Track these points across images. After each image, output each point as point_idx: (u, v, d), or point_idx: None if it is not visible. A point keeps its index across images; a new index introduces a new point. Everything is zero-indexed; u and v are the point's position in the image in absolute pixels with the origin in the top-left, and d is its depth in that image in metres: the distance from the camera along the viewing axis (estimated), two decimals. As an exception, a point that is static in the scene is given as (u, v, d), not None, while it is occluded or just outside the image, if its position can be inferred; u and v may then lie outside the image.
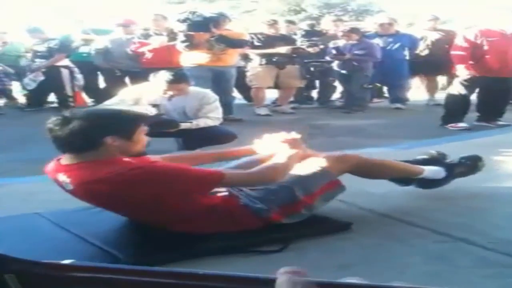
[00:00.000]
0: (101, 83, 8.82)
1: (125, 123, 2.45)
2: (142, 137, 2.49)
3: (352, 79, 7.82)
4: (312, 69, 8.30)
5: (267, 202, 2.56)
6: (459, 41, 6.33)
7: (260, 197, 2.58)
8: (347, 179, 2.83)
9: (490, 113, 6.37)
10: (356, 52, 7.70)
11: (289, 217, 2.59)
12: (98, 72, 8.64)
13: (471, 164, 3.22)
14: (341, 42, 7.92)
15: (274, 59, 7.52)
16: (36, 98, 8.44)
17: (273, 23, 7.83)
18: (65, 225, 2.63)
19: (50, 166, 2.51)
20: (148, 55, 7.38)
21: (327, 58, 8.03)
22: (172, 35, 7.05)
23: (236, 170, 2.62)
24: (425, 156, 3.27)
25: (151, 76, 4.70)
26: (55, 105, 8.50)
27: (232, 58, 6.88)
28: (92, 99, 8.59)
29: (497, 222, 2.76)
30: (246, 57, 7.96)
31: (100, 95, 7.53)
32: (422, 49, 8.22)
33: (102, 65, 8.22)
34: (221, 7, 13.25)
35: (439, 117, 6.45)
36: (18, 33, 9.02)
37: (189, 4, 14.37)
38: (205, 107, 4.69)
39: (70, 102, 8.27)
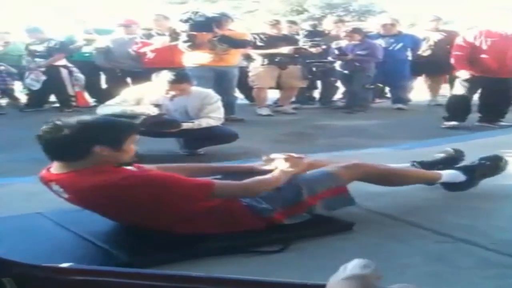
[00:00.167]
0: (104, 83, 8.84)
1: (114, 133, 2.43)
2: (131, 147, 2.47)
3: (354, 80, 7.82)
4: (314, 69, 8.30)
5: (272, 201, 2.56)
6: (458, 41, 6.35)
7: (266, 196, 2.57)
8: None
9: (492, 113, 6.37)
10: (358, 52, 7.70)
11: (291, 218, 2.58)
12: (101, 72, 8.66)
13: (492, 165, 3.20)
14: (343, 43, 7.92)
15: (276, 59, 7.52)
16: (37, 98, 8.46)
17: (276, 23, 7.84)
18: (66, 224, 2.63)
19: (42, 175, 2.51)
20: (150, 55, 7.39)
21: (330, 58, 8.03)
22: (174, 35, 7.06)
23: (227, 182, 2.59)
24: (442, 155, 3.27)
25: (153, 76, 4.70)
26: (57, 105, 8.53)
27: (234, 58, 6.88)
28: (95, 99, 8.60)
29: (498, 222, 2.76)
30: (248, 57, 7.96)
31: (102, 95, 7.54)
32: (424, 50, 8.22)
33: (103, 65, 8.24)
34: (223, 7, 13.26)
35: (441, 118, 6.45)
36: (20, 33, 9.03)
37: (191, 4, 14.37)
38: (207, 107, 4.69)
39: (72, 102, 8.30)
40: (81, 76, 8.48)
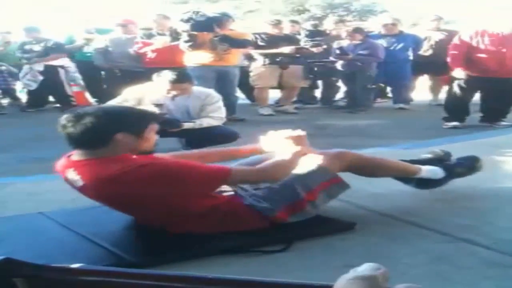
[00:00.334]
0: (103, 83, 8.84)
1: (136, 120, 2.46)
2: (152, 135, 2.50)
3: (356, 79, 7.82)
4: (315, 69, 8.30)
5: (271, 201, 2.56)
6: (454, 41, 6.36)
7: (265, 196, 2.58)
8: (350, 179, 2.83)
9: (493, 113, 6.36)
10: (359, 52, 7.70)
11: (294, 216, 2.59)
12: (102, 72, 8.66)
13: (469, 165, 3.20)
14: (344, 42, 7.92)
15: (277, 59, 7.52)
16: (36, 98, 8.47)
17: (277, 23, 7.83)
18: (69, 225, 2.63)
19: (60, 162, 2.51)
20: (151, 55, 7.39)
21: (331, 58, 8.03)
22: (175, 35, 7.06)
23: (243, 167, 2.61)
24: (429, 155, 3.25)
25: (154, 76, 4.70)
26: (58, 105, 8.54)
27: (235, 58, 6.88)
28: (96, 99, 8.60)
29: (501, 222, 2.75)
30: (249, 57, 7.96)
31: (103, 95, 7.54)
32: (426, 49, 8.21)
33: (102, 65, 8.22)
34: (225, 7, 13.26)
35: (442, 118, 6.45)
36: (21, 33, 9.04)
37: (193, 4, 14.37)
38: (208, 107, 4.69)
39: (73, 101, 8.30)
40: (77, 76, 8.49)
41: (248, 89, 8.35)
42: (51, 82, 8.23)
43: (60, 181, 2.60)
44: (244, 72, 7.65)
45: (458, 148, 3.73)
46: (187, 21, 6.58)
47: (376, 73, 7.87)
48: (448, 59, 6.32)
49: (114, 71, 8.04)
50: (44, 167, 2.56)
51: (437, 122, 6.41)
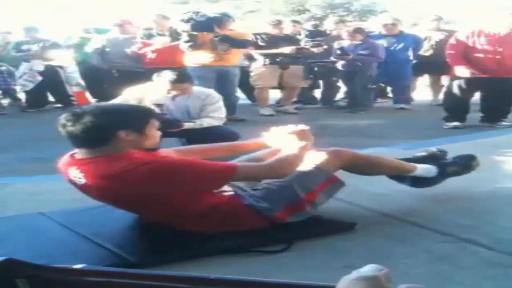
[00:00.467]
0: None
1: (137, 117, 2.46)
2: (154, 132, 2.50)
3: (356, 79, 7.81)
4: (316, 69, 8.30)
5: (271, 201, 2.56)
6: (450, 41, 6.36)
7: (263, 196, 2.58)
8: (351, 180, 2.83)
9: (493, 113, 6.36)
10: (360, 52, 7.70)
11: (293, 216, 2.58)
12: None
13: (465, 163, 3.17)
14: (345, 42, 7.91)
15: (278, 59, 7.52)
16: (36, 98, 8.47)
17: (277, 23, 7.83)
18: (69, 225, 2.63)
19: (63, 160, 2.50)
20: (151, 55, 7.38)
21: (332, 58, 8.02)
22: (174, 35, 7.06)
23: (249, 163, 2.60)
24: (423, 153, 3.24)
25: (155, 76, 4.70)
26: (58, 105, 8.54)
27: (236, 58, 6.88)
28: (96, 99, 8.60)
29: (501, 222, 2.75)
30: (250, 57, 7.96)
31: (104, 95, 7.54)
32: (426, 49, 8.21)
33: (100, 65, 8.20)
34: (225, 7, 13.26)
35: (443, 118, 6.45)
36: (22, 33, 9.04)
37: (193, 4, 14.38)
38: (209, 107, 4.69)
39: (74, 101, 8.31)
40: (74, 76, 8.49)
41: (248, 89, 8.35)
42: (51, 82, 8.24)
43: (60, 181, 2.60)
44: (245, 72, 7.64)
45: (458, 148, 3.72)
46: (187, 21, 6.58)
47: (376, 73, 7.86)
48: (448, 60, 6.32)
49: (111, 71, 8.02)
50: (44, 167, 2.56)
51: (437, 122, 6.41)
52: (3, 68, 8.50)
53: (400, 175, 3.09)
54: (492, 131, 5.97)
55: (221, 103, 4.79)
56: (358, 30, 7.97)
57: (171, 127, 4.54)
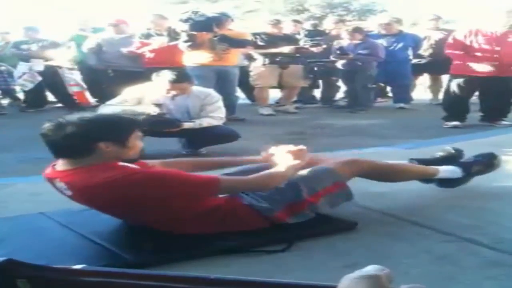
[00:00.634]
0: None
1: (118, 129, 2.43)
2: (136, 143, 2.46)
3: (356, 79, 7.81)
4: (315, 68, 8.30)
5: (272, 201, 2.55)
6: (448, 40, 6.37)
7: (265, 195, 2.57)
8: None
9: (493, 113, 6.36)
10: (359, 51, 7.70)
11: (293, 217, 2.58)
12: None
13: (487, 162, 3.21)
14: (344, 42, 7.91)
15: (277, 59, 7.51)
16: (36, 98, 8.46)
17: (276, 23, 7.83)
18: (70, 225, 2.63)
19: (46, 172, 2.50)
20: (150, 55, 7.38)
21: (331, 57, 8.02)
22: (173, 35, 7.05)
23: (232, 177, 2.59)
24: (442, 153, 3.26)
25: (154, 76, 4.70)
26: (59, 105, 8.53)
27: (235, 57, 6.88)
28: (96, 99, 8.59)
29: (503, 222, 2.74)
30: (249, 57, 7.96)
31: (104, 95, 7.52)
32: (426, 49, 8.21)
33: (96, 65, 8.18)
34: (224, 7, 13.25)
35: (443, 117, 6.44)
36: (21, 33, 9.04)
37: (192, 4, 14.37)
38: (208, 106, 4.69)
39: (75, 101, 8.30)
40: (72, 77, 8.48)
41: (248, 89, 8.34)
42: (51, 82, 8.23)
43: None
44: (244, 72, 7.64)
45: (460, 148, 3.71)
46: (186, 21, 6.57)
47: (376, 72, 7.87)
48: (450, 57, 6.33)
49: (107, 72, 8.00)
50: (44, 167, 2.55)
51: (437, 121, 6.41)
52: (3, 68, 8.50)
53: (425, 180, 3.13)
54: (492, 130, 5.97)
55: (220, 103, 4.79)
56: (357, 30, 7.97)
57: (171, 127, 4.54)
